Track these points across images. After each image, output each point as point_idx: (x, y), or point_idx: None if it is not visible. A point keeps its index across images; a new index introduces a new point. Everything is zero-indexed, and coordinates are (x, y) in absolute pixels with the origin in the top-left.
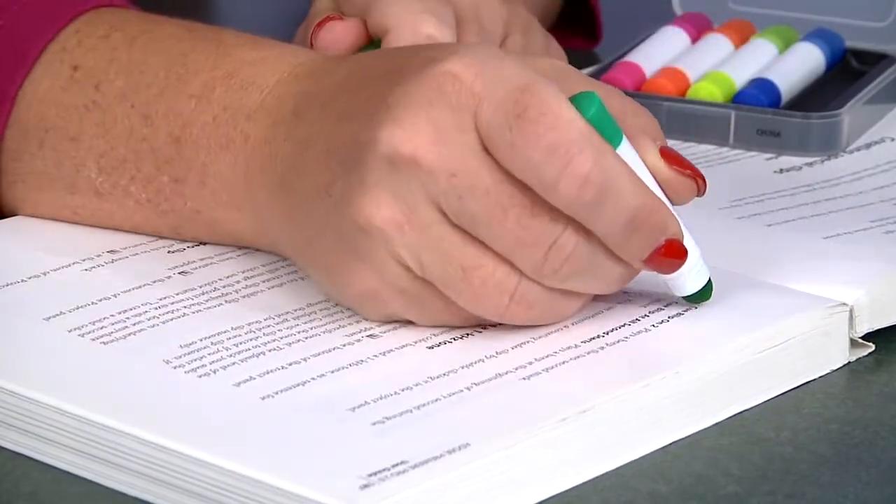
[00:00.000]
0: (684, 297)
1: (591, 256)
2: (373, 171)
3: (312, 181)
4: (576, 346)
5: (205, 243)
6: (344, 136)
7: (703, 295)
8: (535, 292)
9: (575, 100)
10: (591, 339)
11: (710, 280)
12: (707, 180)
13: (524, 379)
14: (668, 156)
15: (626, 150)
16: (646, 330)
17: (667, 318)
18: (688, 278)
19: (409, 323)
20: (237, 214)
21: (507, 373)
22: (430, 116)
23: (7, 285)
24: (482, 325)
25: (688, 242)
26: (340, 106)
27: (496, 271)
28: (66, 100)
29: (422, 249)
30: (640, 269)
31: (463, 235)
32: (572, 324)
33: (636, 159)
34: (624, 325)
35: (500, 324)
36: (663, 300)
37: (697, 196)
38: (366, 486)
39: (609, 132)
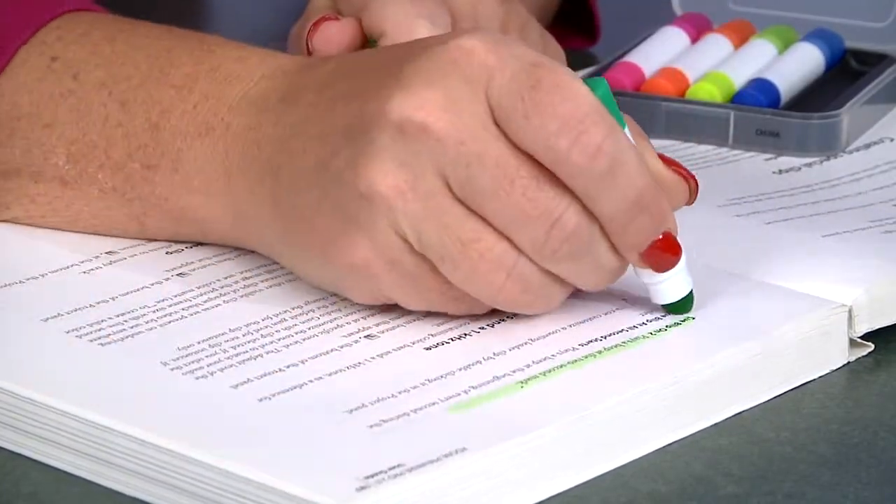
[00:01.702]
0: (664, 307)
1: (590, 240)
2: (380, 139)
3: (307, 160)
4: (573, 349)
5: (164, 240)
6: (345, 115)
7: (683, 306)
8: (532, 273)
9: (585, 81)
10: (588, 343)
11: (691, 292)
12: (705, 180)
13: (521, 383)
14: (665, 158)
15: (629, 136)
16: (643, 336)
17: (664, 326)
18: (670, 285)
19: (407, 323)
20: (208, 201)
21: (504, 375)
22: (443, 86)
23: (5, 286)
24: (473, 320)
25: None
26: (339, 90)
27: (495, 246)
28: (42, 88)
29: (422, 219)
30: (626, 268)
31: (465, 209)
32: (570, 326)
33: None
34: (623, 331)
35: (483, 324)
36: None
37: (687, 204)
38: (362, 488)
39: (615, 115)
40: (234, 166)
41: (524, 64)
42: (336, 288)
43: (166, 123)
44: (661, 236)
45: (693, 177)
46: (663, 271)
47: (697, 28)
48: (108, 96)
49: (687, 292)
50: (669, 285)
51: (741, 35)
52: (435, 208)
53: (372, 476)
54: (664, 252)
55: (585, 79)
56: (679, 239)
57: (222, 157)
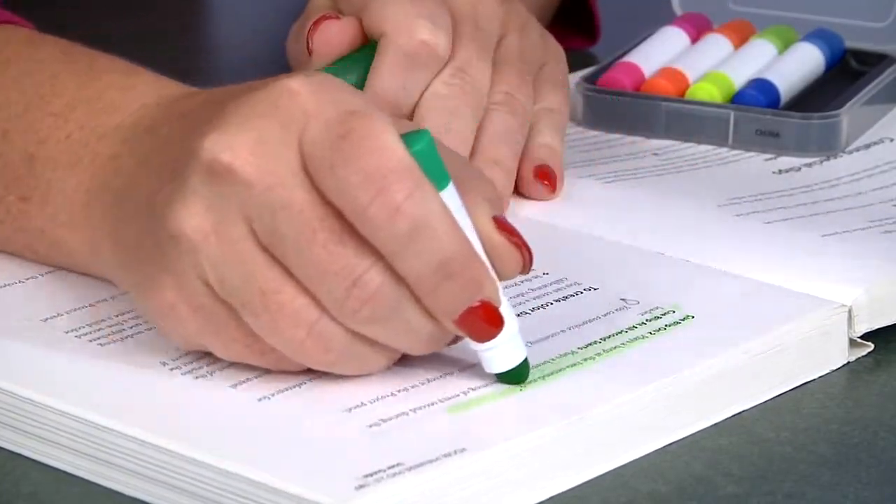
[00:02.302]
0: (496, 376)
1: (397, 303)
2: (192, 179)
3: (142, 193)
4: (573, 352)
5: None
6: (176, 150)
7: (516, 376)
8: (335, 333)
9: (406, 135)
10: (587, 346)
11: (525, 360)
12: (706, 180)
13: (520, 385)
14: (500, 223)
15: (450, 197)
16: (643, 336)
17: (664, 325)
18: (499, 354)
19: None
20: (72, 234)
21: None
22: (257, 128)
23: (5, 286)
24: (296, 372)
25: (506, 313)
26: (185, 123)
27: (295, 299)
28: None
29: (224, 265)
30: (451, 333)
31: (269, 258)
32: (569, 328)
33: (461, 212)
34: (622, 332)
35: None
36: (660, 308)
37: (522, 273)
38: (361, 487)
39: (434, 173)
40: (93, 197)
41: (340, 112)
42: (157, 328)
43: (41, 154)
44: (478, 304)
45: (527, 246)
46: (482, 342)
47: (697, 28)
48: None
49: (518, 363)
50: (496, 354)
51: (741, 35)
52: (238, 254)
53: (371, 475)
54: (481, 322)
55: (407, 132)
56: (507, 308)
57: (86, 188)
